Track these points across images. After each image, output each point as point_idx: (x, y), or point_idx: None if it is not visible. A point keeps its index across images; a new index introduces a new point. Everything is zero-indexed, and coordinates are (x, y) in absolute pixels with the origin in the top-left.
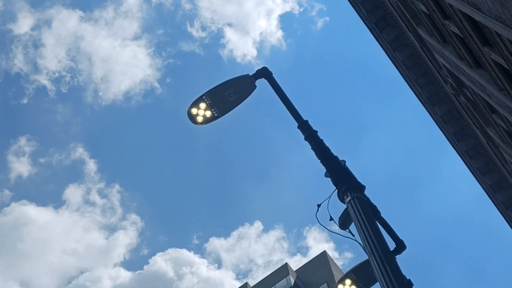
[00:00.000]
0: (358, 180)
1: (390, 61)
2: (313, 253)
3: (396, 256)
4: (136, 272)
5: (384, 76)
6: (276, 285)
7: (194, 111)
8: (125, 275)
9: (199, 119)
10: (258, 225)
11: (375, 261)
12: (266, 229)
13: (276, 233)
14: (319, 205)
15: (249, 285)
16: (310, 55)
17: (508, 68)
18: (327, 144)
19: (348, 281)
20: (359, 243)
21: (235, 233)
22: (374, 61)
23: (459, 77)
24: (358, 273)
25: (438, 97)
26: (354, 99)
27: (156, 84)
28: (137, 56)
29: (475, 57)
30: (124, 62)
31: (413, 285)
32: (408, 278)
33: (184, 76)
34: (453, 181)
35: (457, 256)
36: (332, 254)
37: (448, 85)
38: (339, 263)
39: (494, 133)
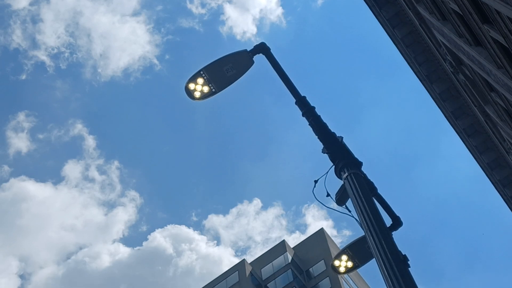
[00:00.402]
0: (356, 157)
1: (389, 38)
2: (312, 230)
3: (392, 233)
4: (135, 248)
5: (383, 54)
6: (273, 262)
7: (191, 86)
8: (124, 251)
9: (197, 94)
10: (257, 202)
11: (371, 237)
12: (265, 207)
13: (274, 211)
14: (316, 181)
15: (247, 262)
16: (310, 32)
17: (507, 46)
18: (325, 121)
19: (344, 257)
20: (356, 219)
21: (234, 210)
22: (373, 39)
23: (458, 55)
24: (355, 249)
25: (437, 75)
26: (353, 76)
27: (155, 61)
28: (136, 33)
29: (474, 34)
30: (123, 38)
31: (408, 260)
32: (404, 254)
33: (183, 53)
34: (451, 159)
35: (454, 233)
36: (331, 231)
37: (447, 63)
38: (337, 240)
39: (493, 112)
